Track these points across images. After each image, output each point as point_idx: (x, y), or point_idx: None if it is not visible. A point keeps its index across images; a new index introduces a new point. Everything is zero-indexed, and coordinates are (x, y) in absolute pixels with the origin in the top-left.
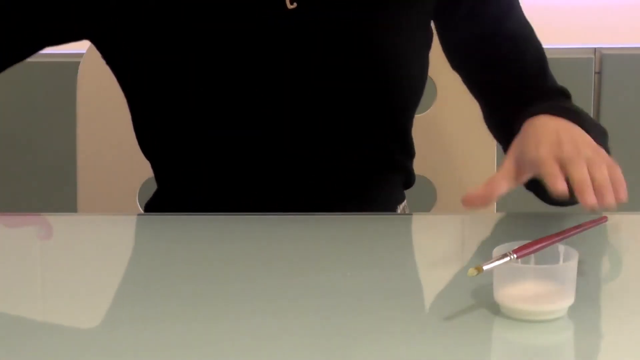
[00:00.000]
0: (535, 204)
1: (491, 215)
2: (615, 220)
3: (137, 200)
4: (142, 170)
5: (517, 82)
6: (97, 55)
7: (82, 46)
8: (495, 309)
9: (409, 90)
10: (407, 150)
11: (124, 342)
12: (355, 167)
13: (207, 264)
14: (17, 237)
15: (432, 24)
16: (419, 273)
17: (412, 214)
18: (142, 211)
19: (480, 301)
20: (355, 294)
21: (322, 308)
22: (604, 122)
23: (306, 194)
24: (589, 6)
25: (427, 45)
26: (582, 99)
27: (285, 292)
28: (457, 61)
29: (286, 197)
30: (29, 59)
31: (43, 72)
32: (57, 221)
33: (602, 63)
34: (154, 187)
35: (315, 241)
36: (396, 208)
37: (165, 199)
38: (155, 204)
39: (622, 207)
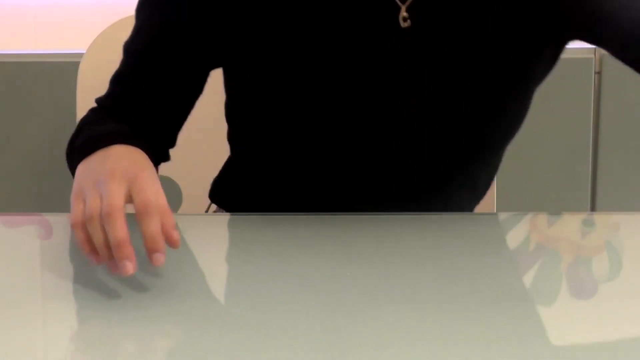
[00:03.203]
0: (535, 204)
1: (491, 215)
2: (615, 220)
3: None
4: None
5: None
6: (97, 55)
7: (82, 46)
8: (497, 307)
9: (506, 124)
10: (475, 194)
11: (123, 343)
12: (430, 186)
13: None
14: (17, 237)
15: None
16: (419, 273)
17: (412, 214)
18: None
19: (481, 300)
20: (355, 294)
21: (324, 305)
22: (604, 122)
23: (366, 201)
24: None
25: (538, 80)
26: (582, 99)
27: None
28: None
29: (350, 202)
30: (29, 59)
31: (43, 72)
32: (57, 221)
33: (602, 63)
34: None
35: (316, 241)
36: None
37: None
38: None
39: (622, 207)
